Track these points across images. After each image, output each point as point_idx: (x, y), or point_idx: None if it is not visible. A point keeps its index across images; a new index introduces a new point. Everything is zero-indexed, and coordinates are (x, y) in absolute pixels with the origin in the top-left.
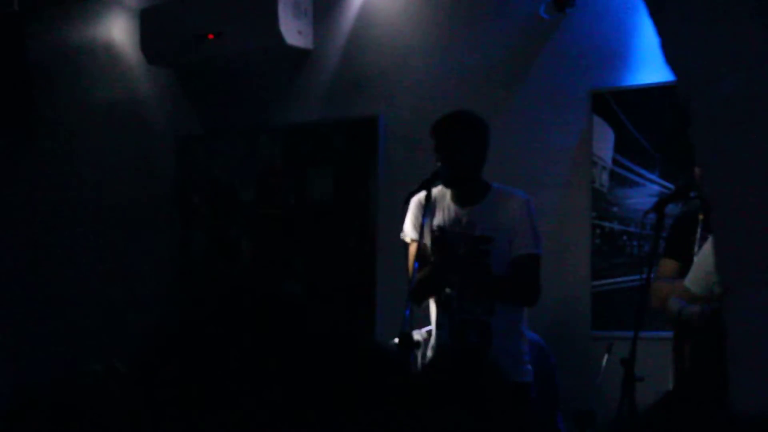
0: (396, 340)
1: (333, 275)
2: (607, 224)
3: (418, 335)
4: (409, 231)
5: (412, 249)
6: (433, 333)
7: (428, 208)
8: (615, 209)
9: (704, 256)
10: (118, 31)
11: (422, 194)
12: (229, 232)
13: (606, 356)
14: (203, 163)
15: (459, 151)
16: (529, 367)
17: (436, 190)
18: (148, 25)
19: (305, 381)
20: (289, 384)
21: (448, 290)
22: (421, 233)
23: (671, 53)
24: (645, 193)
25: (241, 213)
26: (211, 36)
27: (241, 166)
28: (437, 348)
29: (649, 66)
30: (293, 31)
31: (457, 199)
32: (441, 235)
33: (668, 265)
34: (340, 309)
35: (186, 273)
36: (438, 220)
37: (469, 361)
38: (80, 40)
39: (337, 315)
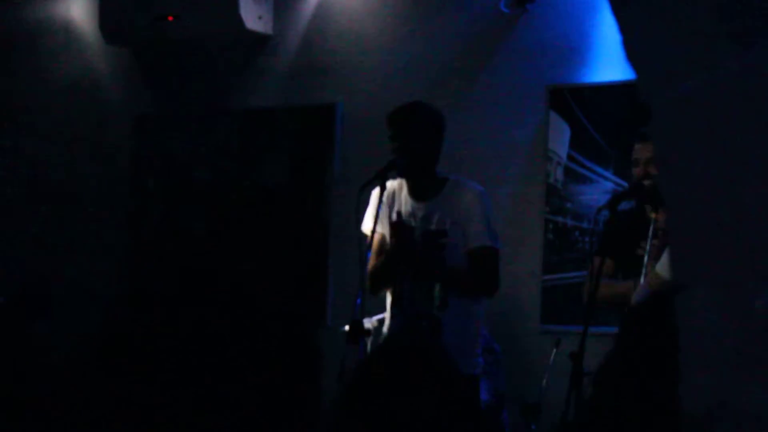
0: (347, 327)
1: (286, 260)
2: (560, 219)
3: (368, 323)
4: (369, 223)
5: (372, 244)
6: (386, 323)
7: (382, 199)
8: (568, 205)
9: None
10: (78, 9)
11: (385, 186)
12: (183, 212)
13: (554, 350)
14: (159, 143)
15: (414, 142)
16: (480, 360)
17: (394, 183)
18: (108, 5)
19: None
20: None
21: (402, 284)
22: (375, 224)
23: (633, 51)
24: (599, 189)
25: (195, 194)
26: (170, 18)
27: (197, 147)
28: (387, 337)
29: (607, 64)
30: (253, 16)
31: (413, 192)
32: (398, 226)
33: (608, 266)
34: (291, 293)
35: (138, 252)
36: (394, 213)
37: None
38: (39, 18)
39: (288, 299)
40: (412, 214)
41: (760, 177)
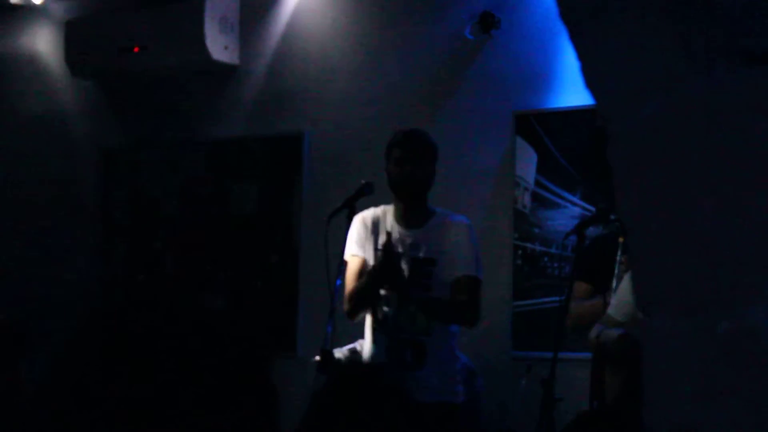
0: (316, 357)
1: (255, 289)
2: (529, 245)
3: (339, 353)
4: (352, 248)
5: (353, 265)
6: (368, 351)
7: (349, 226)
8: (537, 230)
9: (627, 283)
10: (43, 42)
11: (366, 213)
12: (152, 245)
13: (525, 377)
14: (126, 175)
15: (423, 166)
16: (461, 388)
17: (378, 211)
18: (73, 37)
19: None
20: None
21: (385, 308)
22: (359, 251)
23: (591, 77)
24: (566, 215)
25: (163, 226)
26: (136, 49)
27: (164, 179)
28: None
29: (573, 89)
30: (219, 47)
31: (401, 220)
32: (388, 248)
33: (581, 288)
34: (261, 324)
35: (107, 286)
36: (382, 240)
37: (369, 380)
38: (4, 50)
39: (257, 330)
40: (400, 241)
41: (721, 200)
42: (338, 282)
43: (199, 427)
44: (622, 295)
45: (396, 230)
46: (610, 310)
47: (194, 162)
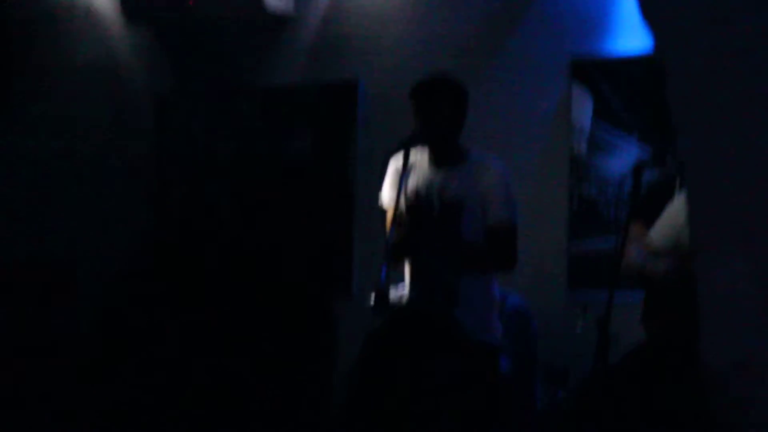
0: (372, 299)
1: (311, 234)
2: (585, 190)
3: (394, 294)
4: (386, 196)
5: (389, 214)
6: (405, 293)
7: (405, 172)
8: (593, 174)
9: (674, 209)
10: None
11: (399, 158)
12: (207, 190)
13: (582, 317)
14: (182, 122)
15: (437, 116)
16: (499, 327)
17: (416, 153)
18: None
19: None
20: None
21: (419, 255)
22: (398, 197)
23: (648, 8)
24: (623, 159)
25: (218, 172)
26: (191, 2)
27: (219, 126)
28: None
29: (629, 36)
30: None
31: (434, 162)
32: (415, 200)
33: (638, 229)
34: (317, 264)
35: (162, 231)
36: (413, 183)
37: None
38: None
39: (314, 269)
40: (431, 182)
41: None
42: (392, 230)
43: (258, 370)
44: (666, 221)
45: (428, 171)
46: (652, 234)
47: (249, 110)
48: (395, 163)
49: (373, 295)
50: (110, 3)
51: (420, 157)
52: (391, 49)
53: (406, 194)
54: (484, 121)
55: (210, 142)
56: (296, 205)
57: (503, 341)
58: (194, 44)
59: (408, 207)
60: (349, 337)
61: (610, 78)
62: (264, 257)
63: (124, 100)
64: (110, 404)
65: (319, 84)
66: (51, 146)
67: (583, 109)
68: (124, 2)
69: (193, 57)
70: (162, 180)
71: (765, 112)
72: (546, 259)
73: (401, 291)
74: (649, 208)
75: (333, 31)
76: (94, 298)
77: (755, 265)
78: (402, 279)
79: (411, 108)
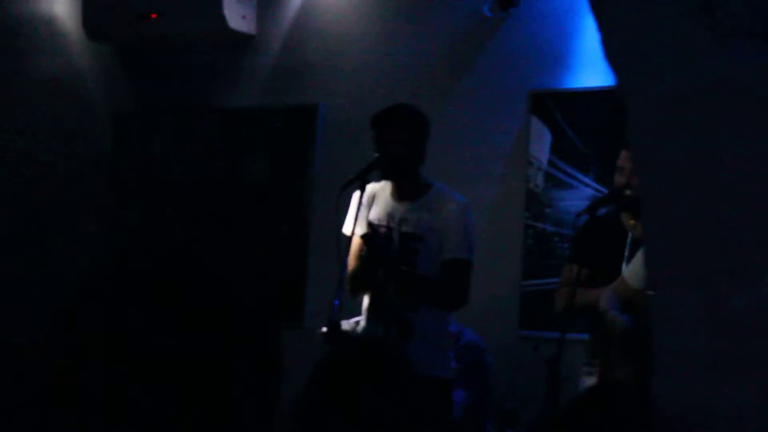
0: (324, 328)
1: (265, 259)
2: (539, 225)
3: (346, 325)
4: (348, 226)
5: (354, 245)
6: (361, 326)
7: (362, 201)
8: (548, 210)
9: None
10: (61, 5)
11: (367, 187)
12: (162, 211)
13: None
14: (140, 141)
15: (397, 146)
16: (453, 364)
17: (377, 185)
18: (91, 1)
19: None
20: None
21: (379, 286)
22: (354, 228)
23: (611, 48)
24: (579, 195)
25: (175, 193)
26: (153, 15)
27: (178, 146)
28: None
29: (589, 69)
30: (237, 16)
31: (395, 194)
32: (372, 230)
33: (572, 270)
34: (268, 290)
35: (117, 251)
36: (374, 214)
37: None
38: (21, 14)
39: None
40: (392, 215)
41: (738, 178)
42: (345, 260)
43: (200, 396)
44: (639, 263)
45: (389, 204)
46: (626, 275)
47: (208, 129)
48: (357, 195)
49: (325, 324)
50: (72, 18)
51: (383, 188)
52: (352, 74)
53: (366, 225)
54: (442, 150)
55: (168, 163)
56: (252, 228)
57: (457, 376)
58: (155, 63)
59: (366, 237)
60: (297, 365)
61: (569, 112)
62: (214, 281)
63: (84, 117)
64: None
65: (280, 106)
66: (4, 157)
67: (541, 143)
68: (86, 18)
69: (153, 75)
70: (118, 200)
71: (726, 154)
72: (499, 295)
73: (356, 321)
74: (600, 247)
75: (295, 54)
76: (43, 316)
77: (708, 303)
78: (360, 312)
79: (372, 136)
